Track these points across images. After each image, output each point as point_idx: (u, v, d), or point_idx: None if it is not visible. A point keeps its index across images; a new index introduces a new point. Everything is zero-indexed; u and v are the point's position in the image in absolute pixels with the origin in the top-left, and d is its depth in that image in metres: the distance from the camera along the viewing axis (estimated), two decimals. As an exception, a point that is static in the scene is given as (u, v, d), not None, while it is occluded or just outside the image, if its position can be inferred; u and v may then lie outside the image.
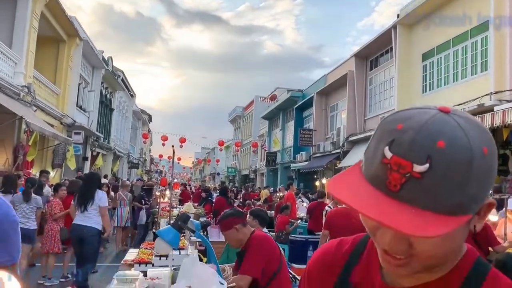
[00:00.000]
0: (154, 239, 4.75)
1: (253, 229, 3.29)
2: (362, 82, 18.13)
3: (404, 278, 0.75)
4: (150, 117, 47.68)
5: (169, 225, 2.39)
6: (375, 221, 0.61)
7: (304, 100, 25.24)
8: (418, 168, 0.61)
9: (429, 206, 0.61)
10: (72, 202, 6.20)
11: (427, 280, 0.74)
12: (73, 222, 5.97)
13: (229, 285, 2.27)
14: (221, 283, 2.01)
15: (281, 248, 3.36)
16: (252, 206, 10.29)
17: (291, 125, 27.91)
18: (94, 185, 6.10)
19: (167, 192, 9.44)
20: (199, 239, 5.03)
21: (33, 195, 6.61)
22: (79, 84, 18.32)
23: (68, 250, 6.98)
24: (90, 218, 5.88)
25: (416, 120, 0.65)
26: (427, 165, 0.61)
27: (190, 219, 2.66)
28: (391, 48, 15.05)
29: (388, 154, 0.64)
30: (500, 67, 9.85)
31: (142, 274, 2.87)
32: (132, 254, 4.25)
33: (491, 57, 10.25)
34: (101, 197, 6.01)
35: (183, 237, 4.34)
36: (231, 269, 2.69)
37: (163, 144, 30.46)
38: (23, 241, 5.69)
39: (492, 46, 10.14)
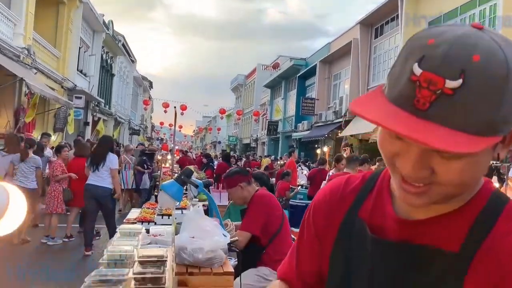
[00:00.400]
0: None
1: (258, 188, 3.29)
2: (366, 51, 17.86)
3: (418, 211, 0.73)
4: (151, 83, 47.30)
5: (172, 180, 2.38)
6: (405, 136, 0.58)
7: (307, 68, 24.96)
8: (451, 84, 0.58)
9: (459, 125, 0.59)
10: (86, 163, 6.44)
11: (442, 212, 0.71)
12: (86, 182, 6.25)
13: (232, 238, 2.29)
14: (224, 235, 2.02)
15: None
16: (253, 172, 10.32)
17: (293, 94, 27.72)
18: (106, 147, 6.40)
19: (169, 157, 9.50)
20: (200, 202, 5.09)
21: (31, 155, 6.68)
22: (80, 48, 18.06)
23: (72, 211, 7.07)
24: (102, 178, 6.19)
25: (449, 34, 0.61)
26: (460, 81, 0.57)
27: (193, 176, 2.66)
28: (397, 15, 14.74)
29: (418, 71, 0.60)
30: (509, 36, 9.67)
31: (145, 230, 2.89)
32: (134, 213, 4.28)
33: (499, 25, 10.04)
34: (112, 160, 6.31)
35: (185, 197, 4.37)
36: (233, 224, 2.71)
37: (165, 111, 30.41)
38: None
39: (501, 14, 9.92)
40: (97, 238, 7.07)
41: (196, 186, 2.43)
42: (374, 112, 0.63)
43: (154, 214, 4.11)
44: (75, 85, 16.70)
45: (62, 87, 15.72)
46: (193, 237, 1.87)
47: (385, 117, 0.61)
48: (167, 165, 9.40)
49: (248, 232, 2.79)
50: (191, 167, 3.44)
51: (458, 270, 0.67)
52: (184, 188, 3.93)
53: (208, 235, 1.88)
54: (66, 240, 6.96)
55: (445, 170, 0.63)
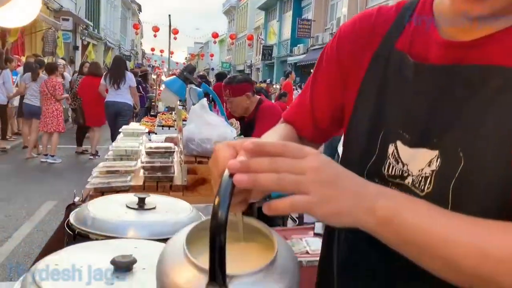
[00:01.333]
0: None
1: (259, 97, 3.21)
2: (366, -33, 16.98)
3: (467, 32, 0.66)
4: (139, 7, 45.37)
5: (175, 76, 2.31)
6: None
7: (304, -13, 23.89)
8: None
9: None
10: (101, 82, 6.71)
11: (493, 31, 0.64)
12: (106, 100, 6.60)
13: (236, 136, 2.27)
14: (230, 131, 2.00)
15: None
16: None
17: (288, 15, 26.74)
18: (123, 66, 6.82)
19: (163, 78, 9.34)
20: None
21: (41, 75, 6.96)
22: (63, -35, 16.99)
23: (95, 130, 7.28)
24: (122, 95, 6.55)
25: None
26: None
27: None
28: None
29: None
30: None
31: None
32: (134, 125, 4.28)
33: None
34: (131, 78, 6.72)
35: (184, 109, 4.33)
36: (238, 123, 2.69)
37: (155, 36, 29.59)
38: (32, 117, 6.26)
39: None
40: (97, 157, 7.17)
41: (199, 85, 2.37)
42: None
43: (154, 126, 4.14)
44: (61, 6, 15.94)
45: (47, 8, 14.99)
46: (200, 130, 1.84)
47: None
48: (162, 88, 9.27)
49: None
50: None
51: None
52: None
53: (215, 127, 1.85)
54: (92, 158, 7.19)
55: None
